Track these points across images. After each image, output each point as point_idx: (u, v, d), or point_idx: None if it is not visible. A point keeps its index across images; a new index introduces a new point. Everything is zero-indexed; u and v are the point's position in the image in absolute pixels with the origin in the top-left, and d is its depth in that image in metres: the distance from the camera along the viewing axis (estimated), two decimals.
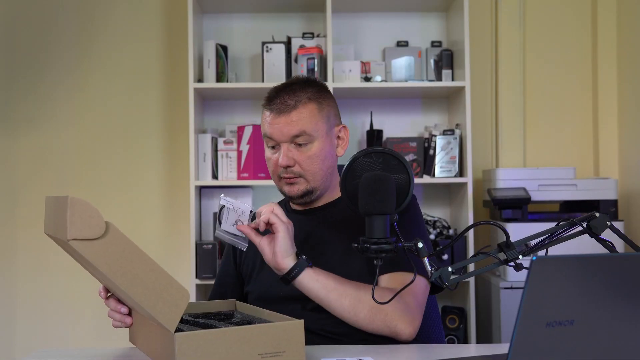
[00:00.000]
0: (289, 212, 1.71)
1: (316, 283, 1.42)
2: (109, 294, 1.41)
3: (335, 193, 1.68)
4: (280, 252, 1.41)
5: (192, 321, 1.36)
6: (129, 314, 1.41)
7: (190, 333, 1.16)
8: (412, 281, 1.31)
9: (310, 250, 1.61)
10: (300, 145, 1.57)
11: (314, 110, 1.59)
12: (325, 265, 1.56)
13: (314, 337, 1.50)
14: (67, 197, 1.10)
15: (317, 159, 1.59)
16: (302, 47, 3.08)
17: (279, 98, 1.58)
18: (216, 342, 1.17)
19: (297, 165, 1.58)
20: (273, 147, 1.61)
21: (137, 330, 1.40)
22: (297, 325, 1.24)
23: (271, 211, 1.43)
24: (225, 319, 1.42)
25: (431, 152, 3.06)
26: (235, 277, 1.74)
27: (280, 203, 1.78)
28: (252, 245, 1.73)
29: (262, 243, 1.44)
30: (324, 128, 1.60)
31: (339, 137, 1.66)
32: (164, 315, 1.15)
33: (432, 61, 3.21)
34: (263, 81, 3.08)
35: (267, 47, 3.07)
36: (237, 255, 1.74)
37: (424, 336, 1.76)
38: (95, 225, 1.11)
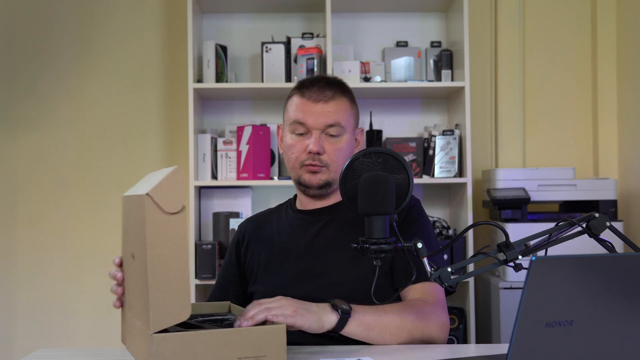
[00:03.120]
0: (294, 212, 1.71)
1: (358, 328, 1.37)
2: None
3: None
4: (314, 330, 1.32)
5: (184, 322, 1.34)
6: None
7: (167, 335, 1.14)
8: (412, 281, 1.32)
9: (316, 253, 1.61)
10: (331, 135, 1.61)
11: (348, 105, 1.65)
12: (331, 269, 1.56)
13: (317, 338, 1.50)
14: (176, 167, 1.14)
15: (343, 152, 1.62)
16: (301, 47, 3.08)
17: (315, 86, 1.62)
18: (194, 345, 1.15)
19: (325, 155, 1.61)
20: (300, 134, 1.62)
21: (126, 330, 1.40)
22: (278, 330, 1.21)
23: (260, 311, 1.28)
24: (219, 321, 1.41)
25: (431, 152, 3.06)
26: (237, 277, 1.73)
27: (283, 205, 1.78)
28: (255, 244, 1.72)
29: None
30: (352, 124, 1.66)
31: (356, 139, 1.70)
32: (157, 315, 1.14)
33: (431, 61, 3.21)
34: (262, 81, 3.08)
35: (266, 47, 3.07)
36: (242, 254, 1.73)
37: None
38: (175, 200, 1.13)
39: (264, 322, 1.28)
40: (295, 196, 1.76)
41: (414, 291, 1.52)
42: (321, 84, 1.63)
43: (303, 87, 1.64)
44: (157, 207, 1.12)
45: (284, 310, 1.29)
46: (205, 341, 1.16)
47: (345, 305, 1.35)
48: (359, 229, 1.56)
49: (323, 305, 1.35)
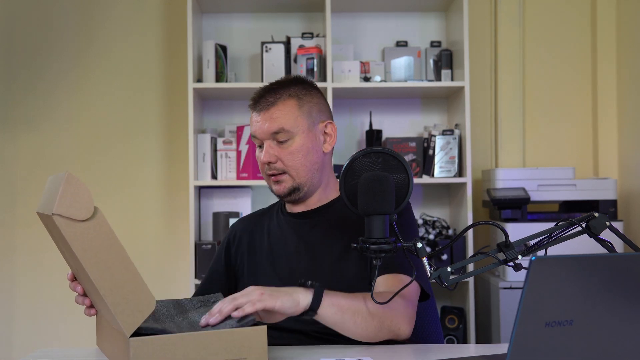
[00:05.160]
0: (283, 215, 1.70)
1: (332, 308, 1.35)
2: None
3: (329, 194, 1.67)
4: (290, 310, 1.31)
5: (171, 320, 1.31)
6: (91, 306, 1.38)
7: (145, 338, 1.13)
8: (410, 281, 1.31)
9: (305, 255, 1.60)
10: (281, 142, 1.59)
11: (294, 106, 1.60)
12: (319, 270, 1.56)
13: (310, 339, 1.50)
14: (66, 173, 1.08)
15: (298, 154, 1.59)
16: (301, 47, 3.08)
17: (262, 97, 1.62)
18: (173, 348, 1.14)
19: (279, 162, 1.59)
20: (260, 146, 1.62)
21: (102, 333, 1.39)
22: (259, 331, 1.20)
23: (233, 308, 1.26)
24: (207, 301, 1.38)
25: (430, 152, 3.06)
26: (225, 277, 1.72)
27: (275, 205, 1.78)
28: (245, 246, 1.71)
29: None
30: (305, 124, 1.60)
31: (325, 132, 1.64)
32: (124, 317, 1.12)
33: (431, 61, 3.21)
34: (262, 81, 3.08)
35: (266, 47, 3.07)
36: (232, 255, 1.72)
37: (423, 336, 1.76)
38: (83, 206, 1.09)
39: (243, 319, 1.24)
40: None
41: (385, 282, 1.49)
42: (265, 91, 1.62)
43: (253, 99, 1.64)
44: (68, 221, 1.08)
45: (250, 297, 1.27)
46: (184, 344, 1.14)
47: (316, 284, 1.35)
48: (347, 230, 1.56)
49: (293, 287, 1.35)
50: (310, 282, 1.35)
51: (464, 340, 3.00)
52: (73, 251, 1.09)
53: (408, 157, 3.09)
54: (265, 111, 1.59)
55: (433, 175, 3.05)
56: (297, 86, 1.64)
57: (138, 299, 1.13)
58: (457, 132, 3.06)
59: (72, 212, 1.08)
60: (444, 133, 3.05)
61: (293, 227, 1.66)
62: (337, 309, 1.35)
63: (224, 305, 1.26)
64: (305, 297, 1.32)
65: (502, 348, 1.37)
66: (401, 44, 3.24)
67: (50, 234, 1.26)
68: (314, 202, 1.66)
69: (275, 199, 1.80)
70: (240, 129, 3.07)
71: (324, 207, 1.66)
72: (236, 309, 1.25)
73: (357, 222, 1.52)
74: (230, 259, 1.72)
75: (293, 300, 1.30)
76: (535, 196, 2.95)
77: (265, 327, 1.21)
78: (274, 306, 1.27)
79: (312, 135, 1.61)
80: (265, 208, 1.80)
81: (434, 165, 3.05)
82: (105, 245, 1.11)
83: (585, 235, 1.26)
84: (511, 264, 1.22)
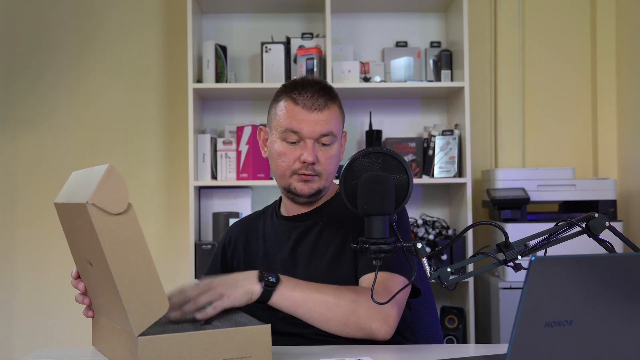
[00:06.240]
0: (278, 218, 1.70)
1: (285, 302, 1.37)
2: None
3: (324, 196, 1.68)
4: (245, 302, 1.35)
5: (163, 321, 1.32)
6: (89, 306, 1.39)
7: (153, 337, 1.14)
8: (408, 284, 1.32)
9: (300, 257, 1.60)
10: (323, 144, 1.58)
11: (338, 112, 1.62)
12: (315, 272, 1.56)
13: (309, 342, 1.50)
14: (108, 165, 1.10)
15: (334, 160, 1.61)
16: (301, 47, 3.09)
17: (308, 92, 1.58)
18: (179, 347, 1.15)
19: (318, 164, 1.58)
20: (292, 142, 1.58)
21: (100, 333, 1.39)
22: (263, 330, 1.22)
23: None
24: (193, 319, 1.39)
25: (430, 152, 3.06)
26: None
27: (269, 208, 1.77)
28: (241, 250, 1.71)
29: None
30: (341, 130, 1.64)
31: (341, 143, 1.67)
32: (136, 315, 1.12)
33: (431, 61, 3.21)
34: (262, 81, 3.08)
35: (266, 47, 3.07)
36: (228, 259, 1.72)
37: (422, 336, 1.76)
38: (119, 200, 1.10)
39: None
40: (281, 199, 1.73)
41: (369, 280, 1.48)
42: (314, 90, 1.58)
43: (293, 92, 1.58)
44: (102, 212, 1.09)
45: (211, 297, 1.31)
46: (190, 343, 1.16)
47: (272, 278, 1.36)
48: (340, 230, 1.57)
49: (251, 274, 1.37)
50: (265, 277, 1.36)
51: (463, 340, 3.00)
52: (100, 244, 1.09)
53: (408, 158, 3.09)
54: (319, 111, 1.57)
55: (433, 175, 3.05)
56: (333, 92, 1.63)
57: (152, 300, 1.14)
58: (456, 132, 3.07)
59: (108, 204, 1.09)
60: (443, 133, 3.05)
61: (288, 230, 1.66)
62: (290, 303, 1.38)
63: (187, 307, 1.29)
64: (255, 291, 1.35)
65: (502, 348, 1.37)
66: (401, 44, 3.24)
67: (65, 225, 1.26)
68: (312, 205, 1.67)
69: (270, 201, 1.79)
70: (240, 129, 3.07)
71: (318, 209, 1.66)
72: (198, 307, 1.30)
73: (350, 220, 1.52)
74: (227, 262, 1.73)
75: (246, 293, 1.34)
76: (535, 196, 2.95)
77: (269, 325, 1.22)
78: (232, 304, 1.32)
79: (340, 143, 1.65)
80: (259, 211, 1.80)
81: (434, 165, 3.05)
82: (132, 241, 1.12)
83: (585, 235, 1.26)
84: (511, 264, 1.22)
